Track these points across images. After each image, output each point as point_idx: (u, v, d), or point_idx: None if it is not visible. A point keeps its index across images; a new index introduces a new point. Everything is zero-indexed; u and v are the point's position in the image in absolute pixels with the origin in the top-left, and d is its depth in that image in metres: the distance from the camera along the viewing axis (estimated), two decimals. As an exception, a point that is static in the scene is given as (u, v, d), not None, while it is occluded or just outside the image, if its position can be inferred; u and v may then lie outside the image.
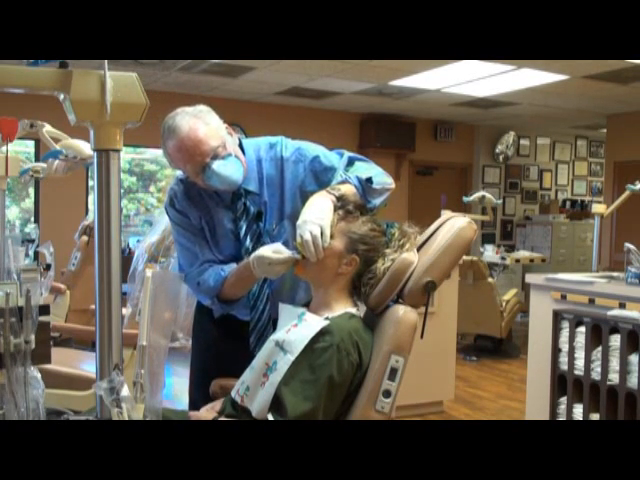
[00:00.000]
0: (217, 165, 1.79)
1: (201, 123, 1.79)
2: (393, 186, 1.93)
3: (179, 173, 1.96)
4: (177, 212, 1.95)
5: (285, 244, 1.78)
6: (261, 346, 1.78)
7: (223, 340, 2.02)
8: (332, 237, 1.68)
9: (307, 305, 1.75)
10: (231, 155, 1.83)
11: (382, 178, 1.89)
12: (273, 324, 1.89)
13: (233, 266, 1.89)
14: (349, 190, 1.79)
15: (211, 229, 1.94)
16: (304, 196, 1.84)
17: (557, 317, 3.38)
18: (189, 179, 1.91)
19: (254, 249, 1.83)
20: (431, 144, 8.68)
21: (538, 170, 9.60)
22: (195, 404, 1.96)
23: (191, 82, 6.51)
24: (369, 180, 1.83)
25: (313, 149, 1.96)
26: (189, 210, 1.93)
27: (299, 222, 1.68)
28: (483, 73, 5.88)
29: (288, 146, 1.96)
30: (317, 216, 1.66)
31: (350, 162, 1.95)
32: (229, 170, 1.81)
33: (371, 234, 1.70)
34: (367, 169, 1.89)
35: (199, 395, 1.97)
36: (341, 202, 1.72)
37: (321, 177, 1.91)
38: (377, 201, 1.87)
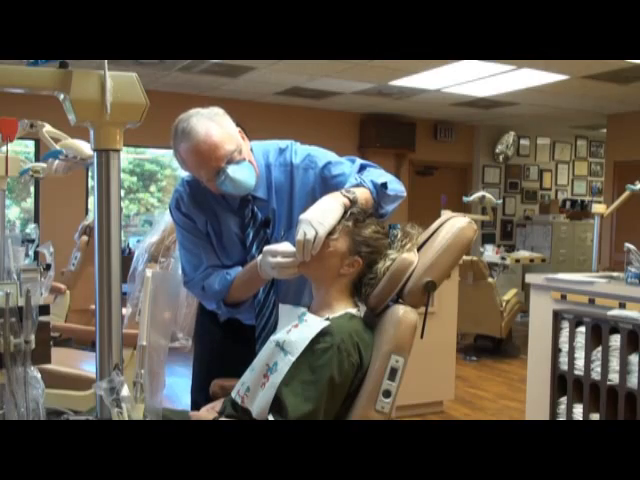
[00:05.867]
0: (232, 170, 1.76)
1: (217, 127, 1.76)
2: (405, 194, 1.90)
3: (185, 174, 1.93)
4: (183, 215, 1.91)
5: None
6: None
7: (226, 341, 2.02)
8: (336, 237, 1.67)
9: (308, 307, 1.75)
10: (245, 160, 1.80)
11: (396, 185, 1.87)
12: None
13: (239, 269, 1.88)
14: (363, 194, 1.76)
15: (217, 234, 1.91)
16: (313, 197, 1.81)
17: (557, 317, 3.38)
18: (195, 181, 1.88)
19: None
20: (431, 144, 8.68)
21: (538, 170, 9.60)
22: (197, 404, 1.96)
23: (191, 82, 6.51)
24: (384, 185, 1.81)
25: (324, 155, 1.92)
26: (195, 214, 1.90)
27: (300, 217, 1.65)
28: (483, 73, 5.88)
29: (298, 152, 1.93)
30: (318, 219, 1.63)
31: (362, 169, 1.91)
32: (243, 175, 1.78)
33: (375, 236, 1.69)
34: (380, 175, 1.86)
35: (201, 395, 1.97)
36: (352, 208, 1.69)
37: (331, 184, 1.86)
38: (390, 207, 1.85)
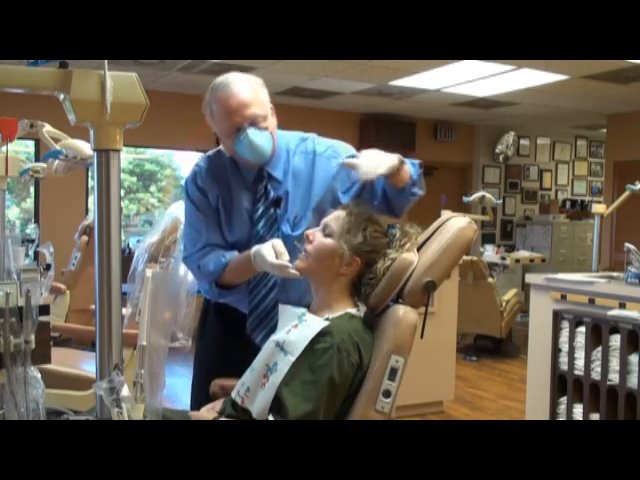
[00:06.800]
0: (252, 132, 1.82)
1: (251, 89, 1.85)
2: (423, 192, 1.94)
3: (209, 152, 2.01)
4: (197, 189, 1.96)
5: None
6: (260, 331, 1.84)
7: (228, 340, 2.03)
8: (334, 237, 1.67)
9: (308, 306, 1.75)
10: (267, 129, 1.87)
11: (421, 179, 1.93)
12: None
13: (235, 253, 1.91)
14: (407, 165, 1.81)
15: (227, 210, 1.95)
16: (332, 191, 1.90)
17: (557, 317, 3.38)
18: (216, 156, 1.97)
19: (265, 234, 1.87)
20: (431, 144, 8.68)
21: (538, 170, 9.60)
22: (197, 404, 1.96)
23: (191, 82, 6.51)
24: (420, 165, 1.86)
25: (346, 149, 1.99)
26: (210, 187, 1.95)
27: (362, 152, 1.72)
28: (483, 73, 5.88)
29: (321, 143, 2.00)
30: (378, 158, 1.71)
31: None
32: (261, 141, 1.84)
33: (373, 235, 1.70)
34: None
35: (202, 395, 1.97)
36: (352, 207, 1.73)
37: (353, 175, 1.89)
38: (418, 191, 1.89)
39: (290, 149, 1.97)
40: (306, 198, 1.93)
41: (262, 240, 1.85)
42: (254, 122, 1.83)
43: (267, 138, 1.86)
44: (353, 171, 1.80)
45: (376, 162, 1.69)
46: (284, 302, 1.88)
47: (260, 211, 1.92)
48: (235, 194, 1.95)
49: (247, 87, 1.84)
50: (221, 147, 1.99)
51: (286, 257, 1.71)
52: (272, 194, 1.93)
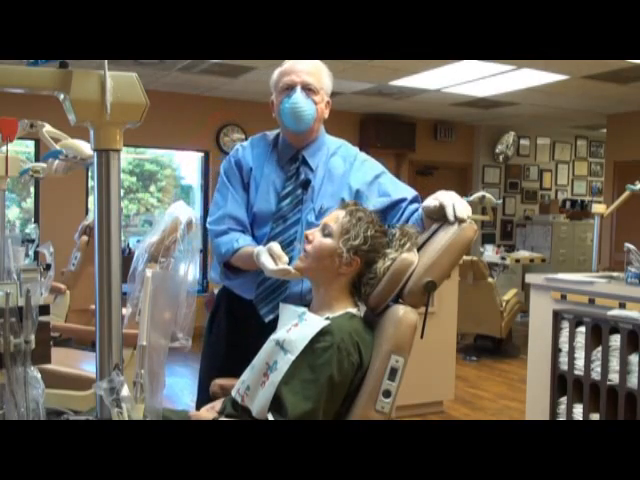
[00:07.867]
0: (300, 95, 1.96)
1: (314, 67, 2.01)
2: None
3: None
4: (235, 162, 2.08)
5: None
6: (266, 304, 1.93)
7: (236, 340, 2.04)
8: (333, 237, 1.68)
9: (308, 305, 1.76)
10: (316, 105, 1.99)
11: None
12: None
13: (248, 240, 1.97)
14: None
15: (257, 182, 2.05)
16: (361, 196, 1.99)
17: (557, 317, 3.38)
18: (259, 139, 2.11)
19: (288, 212, 1.97)
20: (431, 144, 8.68)
21: (538, 170, 9.60)
22: (203, 398, 1.97)
23: (191, 82, 6.51)
24: None
25: (380, 166, 2.11)
26: (246, 161, 2.06)
27: (451, 193, 1.77)
28: (483, 73, 5.88)
29: (362, 153, 2.12)
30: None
31: (415, 200, 2.06)
32: (305, 106, 1.97)
33: (373, 235, 1.69)
34: None
35: (206, 395, 1.97)
36: (353, 207, 1.74)
37: (381, 191, 2.02)
38: None
39: (330, 148, 2.08)
40: (337, 194, 2.01)
41: (284, 217, 1.97)
42: (306, 88, 1.97)
43: (311, 108, 1.98)
44: (420, 208, 1.90)
45: (464, 203, 1.72)
46: (299, 289, 1.94)
47: (288, 190, 2.01)
48: (267, 169, 2.05)
49: (311, 64, 2.00)
50: (265, 132, 2.14)
51: (285, 259, 1.75)
52: (302, 176, 2.01)
